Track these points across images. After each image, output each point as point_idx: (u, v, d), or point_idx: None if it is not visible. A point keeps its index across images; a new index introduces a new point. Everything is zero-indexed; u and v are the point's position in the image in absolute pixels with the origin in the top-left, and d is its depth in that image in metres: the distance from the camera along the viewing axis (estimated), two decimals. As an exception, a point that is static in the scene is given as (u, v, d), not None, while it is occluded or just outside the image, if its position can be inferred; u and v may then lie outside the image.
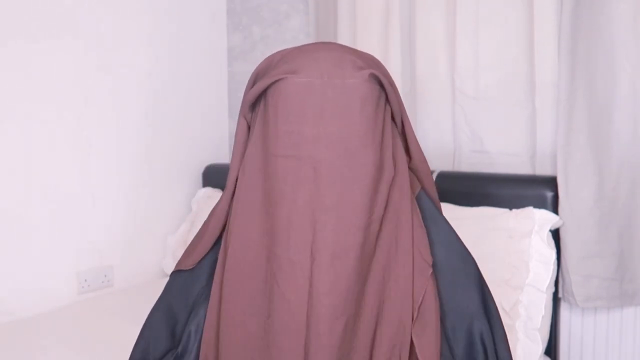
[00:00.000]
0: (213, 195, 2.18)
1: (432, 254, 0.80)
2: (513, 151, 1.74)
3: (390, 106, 0.79)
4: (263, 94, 0.77)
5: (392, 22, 1.86)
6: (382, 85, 0.76)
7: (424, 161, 0.87)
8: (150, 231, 2.12)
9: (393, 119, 0.81)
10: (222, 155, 2.43)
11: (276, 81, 0.74)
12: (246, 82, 0.84)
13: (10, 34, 1.70)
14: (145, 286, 2.02)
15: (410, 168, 0.85)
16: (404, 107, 0.83)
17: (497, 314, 0.82)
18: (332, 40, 2.00)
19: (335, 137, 0.73)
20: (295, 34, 2.23)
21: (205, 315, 0.81)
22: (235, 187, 0.81)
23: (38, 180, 1.78)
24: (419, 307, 0.77)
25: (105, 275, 1.97)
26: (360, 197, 0.73)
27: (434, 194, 0.88)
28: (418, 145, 0.86)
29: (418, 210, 0.82)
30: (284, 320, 0.73)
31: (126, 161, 2.03)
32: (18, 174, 1.73)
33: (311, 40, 2.10)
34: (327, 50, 0.76)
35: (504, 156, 1.76)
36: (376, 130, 0.75)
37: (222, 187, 2.22)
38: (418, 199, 0.84)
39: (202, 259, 0.85)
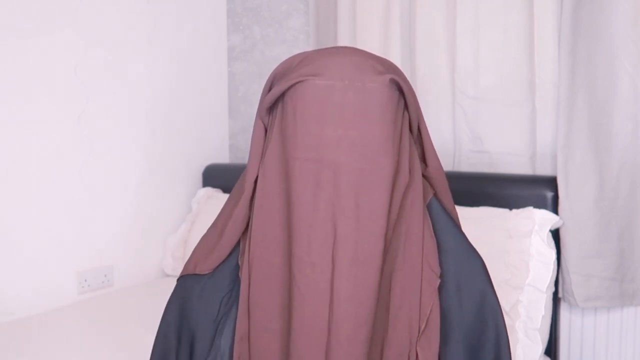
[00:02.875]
0: (213, 195, 2.18)
1: (440, 264, 0.80)
2: (513, 151, 1.74)
3: (409, 113, 0.79)
4: (281, 96, 0.76)
5: (392, 22, 1.86)
6: (401, 91, 0.76)
7: (440, 169, 0.86)
8: (150, 231, 2.12)
9: (410, 125, 0.81)
10: (222, 155, 2.43)
11: (295, 83, 0.73)
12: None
13: (10, 31, 1.70)
14: (145, 286, 2.02)
15: (425, 175, 0.84)
16: (421, 114, 0.82)
17: (502, 327, 0.81)
18: (332, 40, 2.00)
19: (355, 140, 0.72)
20: (295, 33, 2.23)
21: (234, 326, 0.79)
22: (254, 190, 0.79)
23: (38, 179, 1.78)
24: (426, 319, 0.76)
25: (105, 275, 1.97)
26: (379, 203, 0.73)
27: (449, 202, 0.87)
28: (435, 152, 0.85)
29: (429, 219, 0.81)
30: (304, 324, 0.72)
31: (126, 161, 2.03)
32: (18, 173, 1.73)
33: (311, 40, 2.10)
34: (347, 54, 0.75)
35: (504, 156, 1.76)
36: (395, 136, 0.75)
37: (222, 187, 2.22)
38: (429, 206, 0.83)
39: (221, 264, 0.83)
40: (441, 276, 0.79)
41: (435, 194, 0.85)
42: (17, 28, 1.71)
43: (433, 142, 1.91)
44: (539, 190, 1.56)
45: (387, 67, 0.76)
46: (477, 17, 1.75)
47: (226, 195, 2.15)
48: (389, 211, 0.74)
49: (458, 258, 0.82)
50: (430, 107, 1.86)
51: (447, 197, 0.87)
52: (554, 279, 1.50)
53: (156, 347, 0.85)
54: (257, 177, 0.79)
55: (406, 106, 0.78)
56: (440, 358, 0.77)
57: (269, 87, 0.80)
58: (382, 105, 0.73)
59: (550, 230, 1.51)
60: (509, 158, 1.75)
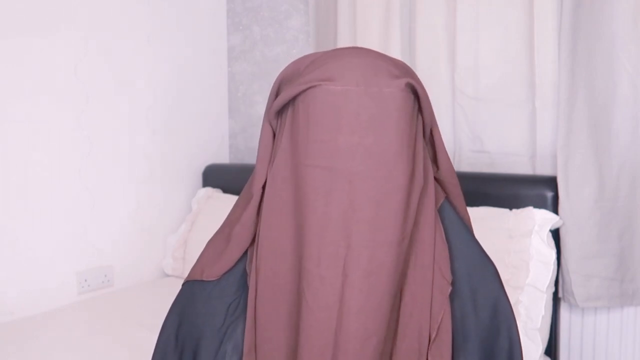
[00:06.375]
0: (213, 195, 2.18)
1: (452, 270, 0.78)
2: (513, 151, 1.74)
3: (422, 116, 0.77)
4: (291, 100, 0.73)
5: (392, 22, 1.86)
6: (416, 94, 0.74)
7: (452, 171, 0.83)
8: (150, 231, 2.12)
9: (423, 128, 0.78)
10: (222, 155, 2.43)
11: (307, 89, 0.71)
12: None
13: (9, 29, 1.70)
14: (145, 286, 2.02)
15: (436, 178, 0.82)
16: (434, 116, 0.80)
17: (515, 334, 0.80)
18: (332, 40, 2.00)
19: (371, 148, 0.69)
20: (295, 33, 2.23)
21: (242, 334, 0.77)
22: (262, 196, 0.77)
23: (38, 179, 1.78)
24: (437, 327, 0.74)
25: (105, 275, 1.97)
26: (394, 212, 0.71)
27: (462, 206, 0.85)
28: (447, 154, 0.83)
29: (441, 223, 0.79)
30: (311, 338, 0.70)
31: (126, 161, 2.03)
32: (18, 173, 1.73)
33: (311, 40, 2.10)
34: (360, 57, 0.72)
35: (504, 156, 1.76)
36: (410, 142, 0.72)
37: (222, 187, 2.22)
38: (441, 210, 0.81)
39: (229, 270, 0.80)
40: (453, 283, 0.77)
41: (447, 198, 0.83)
42: (17, 28, 1.71)
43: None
44: (539, 190, 1.56)
45: (402, 69, 0.74)
46: (477, 17, 1.75)
47: (226, 196, 2.15)
48: (405, 219, 0.72)
49: (471, 264, 0.80)
50: (430, 107, 1.86)
51: (459, 200, 0.85)
52: (554, 279, 1.50)
53: (156, 355, 0.83)
54: (265, 182, 0.77)
55: (420, 109, 0.76)
56: None
57: (277, 90, 0.77)
58: (398, 111, 0.70)
59: (550, 230, 1.51)
60: (508, 158, 1.75)
